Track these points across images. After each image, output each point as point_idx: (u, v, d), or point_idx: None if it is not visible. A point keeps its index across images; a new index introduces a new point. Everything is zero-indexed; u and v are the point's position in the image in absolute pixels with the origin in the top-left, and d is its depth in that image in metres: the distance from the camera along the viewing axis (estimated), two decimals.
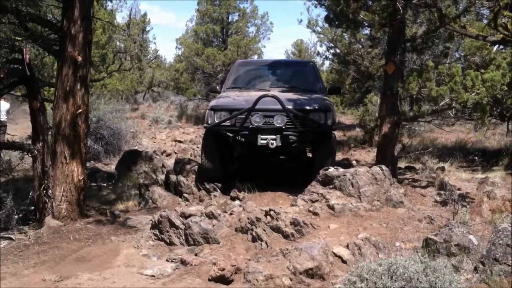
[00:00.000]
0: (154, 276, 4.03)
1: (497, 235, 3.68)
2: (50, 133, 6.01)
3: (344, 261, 3.98)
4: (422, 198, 6.14)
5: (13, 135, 9.15)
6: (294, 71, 8.26)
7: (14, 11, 5.52)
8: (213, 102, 6.87)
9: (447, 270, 3.14)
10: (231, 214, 5.22)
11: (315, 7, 13.93)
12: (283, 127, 6.19)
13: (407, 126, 12.10)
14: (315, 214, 5.12)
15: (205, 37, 21.16)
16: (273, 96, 6.16)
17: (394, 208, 5.32)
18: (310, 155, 8.18)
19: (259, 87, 7.58)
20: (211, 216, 4.99)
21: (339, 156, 10.97)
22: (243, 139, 6.36)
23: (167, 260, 4.44)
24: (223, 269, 3.80)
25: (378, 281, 3.05)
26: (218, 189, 6.66)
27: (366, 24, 8.06)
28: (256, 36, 22.45)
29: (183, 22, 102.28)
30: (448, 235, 3.92)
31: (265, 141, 6.17)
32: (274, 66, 8.51)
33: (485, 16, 8.15)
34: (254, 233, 4.58)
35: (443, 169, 8.33)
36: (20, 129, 13.13)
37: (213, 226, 4.81)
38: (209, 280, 3.82)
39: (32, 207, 6.21)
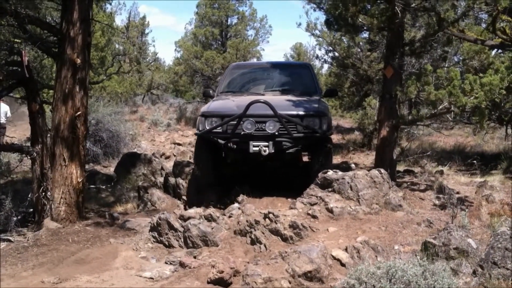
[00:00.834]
0: (152, 278, 4.03)
1: (495, 238, 3.69)
2: (49, 135, 6.01)
3: (343, 264, 3.98)
4: (421, 201, 6.14)
5: (12, 137, 9.15)
6: (290, 74, 8.08)
7: (13, 13, 5.53)
8: (204, 108, 6.70)
9: (446, 273, 3.14)
10: (230, 216, 5.22)
11: (314, 10, 13.97)
12: (276, 133, 6.01)
13: (405, 130, 12.10)
14: (314, 217, 5.12)
15: (204, 40, 21.22)
16: (265, 102, 5.94)
17: (393, 211, 5.33)
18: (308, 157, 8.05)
19: (253, 90, 7.41)
20: (210, 218, 4.99)
21: (338, 159, 11.01)
22: (235, 146, 6.20)
23: (165, 263, 4.44)
24: (222, 272, 3.80)
25: (377, 284, 3.06)
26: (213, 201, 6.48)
27: (365, 28, 8.06)
28: (255, 39, 22.55)
29: (182, 25, 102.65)
30: (447, 238, 3.92)
31: (257, 148, 5.99)
32: (269, 68, 8.29)
33: (483, 20, 8.17)
34: (253, 236, 4.58)
35: (442, 172, 8.35)
36: (19, 131, 13.14)
37: (212, 228, 4.81)
38: (208, 282, 3.82)
39: (31, 209, 6.21)
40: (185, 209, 6.39)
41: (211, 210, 5.10)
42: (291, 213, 5.13)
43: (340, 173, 5.71)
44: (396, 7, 6.52)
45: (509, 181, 7.55)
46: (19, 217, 5.98)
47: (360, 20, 7.27)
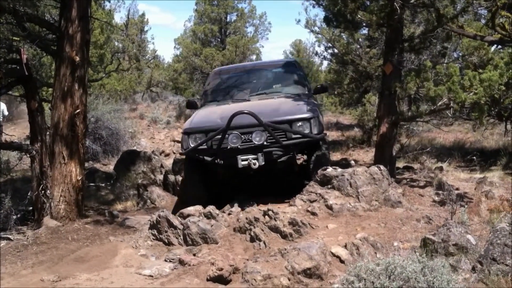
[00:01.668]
0: (152, 276, 4.03)
1: (495, 234, 3.70)
2: (48, 133, 6.01)
3: (342, 261, 3.99)
4: (420, 198, 6.15)
5: (11, 135, 9.14)
6: (275, 74, 7.65)
7: (12, 11, 5.53)
8: (186, 124, 6.37)
9: (445, 269, 3.14)
10: (229, 214, 5.22)
11: (313, 7, 13.94)
12: (264, 143, 5.69)
13: (405, 126, 12.11)
14: (314, 214, 5.12)
15: (203, 37, 21.16)
16: (248, 112, 5.61)
17: (392, 208, 5.33)
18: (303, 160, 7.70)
19: (238, 97, 7.01)
20: (209, 216, 4.99)
21: (337, 156, 11.01)
22: (222, 162, 5.91)
23: (165, 260, 4.44)
24: (221, 269, 3.80)
25: (376, 280, 3.06)
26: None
27: (364, 24, 8.06)
28: (254, 36, 22.48)
29: (181, 22, 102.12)
30: (446, 235, 3.93)
31: (246, 162, 5.67)
32: (253, 71, 7.88)
33: (483, 16, 8.16)
34: (252, 233, 4.58)
35: (441, 169, 8.34)
36: (19, 130, 13.14)
37: (212, 226, 4.81)
38: (207, 280, 3.82)
39: (31, 208, 6.21)
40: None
41: (211, 208, 5.10)
42: (290, 210, 5.14)
43: (339, 170, 5.71)
44: (395, 3, 6.50)
45: (509, 177, 7.55)
46: (18, 215, 5.98)
47: (359, 16, 7.25)
